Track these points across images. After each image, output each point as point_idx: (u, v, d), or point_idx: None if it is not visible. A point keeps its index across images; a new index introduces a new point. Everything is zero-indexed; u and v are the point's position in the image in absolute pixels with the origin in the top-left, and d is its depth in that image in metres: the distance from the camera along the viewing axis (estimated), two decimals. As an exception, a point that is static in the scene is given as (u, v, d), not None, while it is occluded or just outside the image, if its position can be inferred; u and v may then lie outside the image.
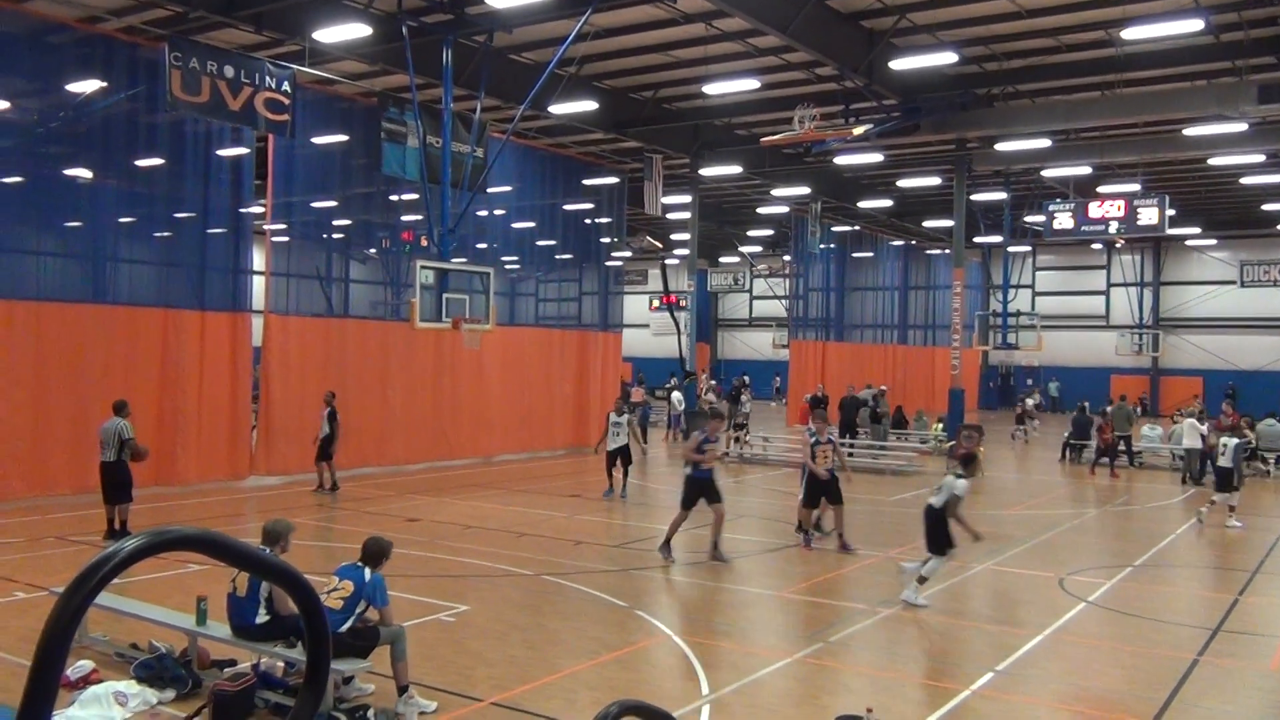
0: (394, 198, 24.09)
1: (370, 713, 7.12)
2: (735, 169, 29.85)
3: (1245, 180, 32.58)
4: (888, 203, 36.60)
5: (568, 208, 27.90)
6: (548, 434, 26.01)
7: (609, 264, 29.78)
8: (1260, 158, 28.14)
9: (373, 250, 27.79)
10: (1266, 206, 37.03)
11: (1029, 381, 49.96)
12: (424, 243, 22.72)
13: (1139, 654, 9.76)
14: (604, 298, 29.12)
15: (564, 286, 29.29)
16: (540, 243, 27.86)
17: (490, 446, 24.33)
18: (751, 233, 47.52)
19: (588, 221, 28.83)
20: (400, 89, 21.06)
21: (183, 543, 1.51)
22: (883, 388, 31.07)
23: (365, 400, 21.05)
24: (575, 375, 26.82)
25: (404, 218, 25.21)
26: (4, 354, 16.15)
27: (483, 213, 24.46)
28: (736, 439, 26.39)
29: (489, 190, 22.69)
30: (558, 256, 28.70)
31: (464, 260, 21.67)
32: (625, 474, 18.79)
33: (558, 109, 22.93)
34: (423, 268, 18.28)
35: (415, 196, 22.38)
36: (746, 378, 49.16)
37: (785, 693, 8.39)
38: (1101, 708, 8.18)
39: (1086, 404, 33.45)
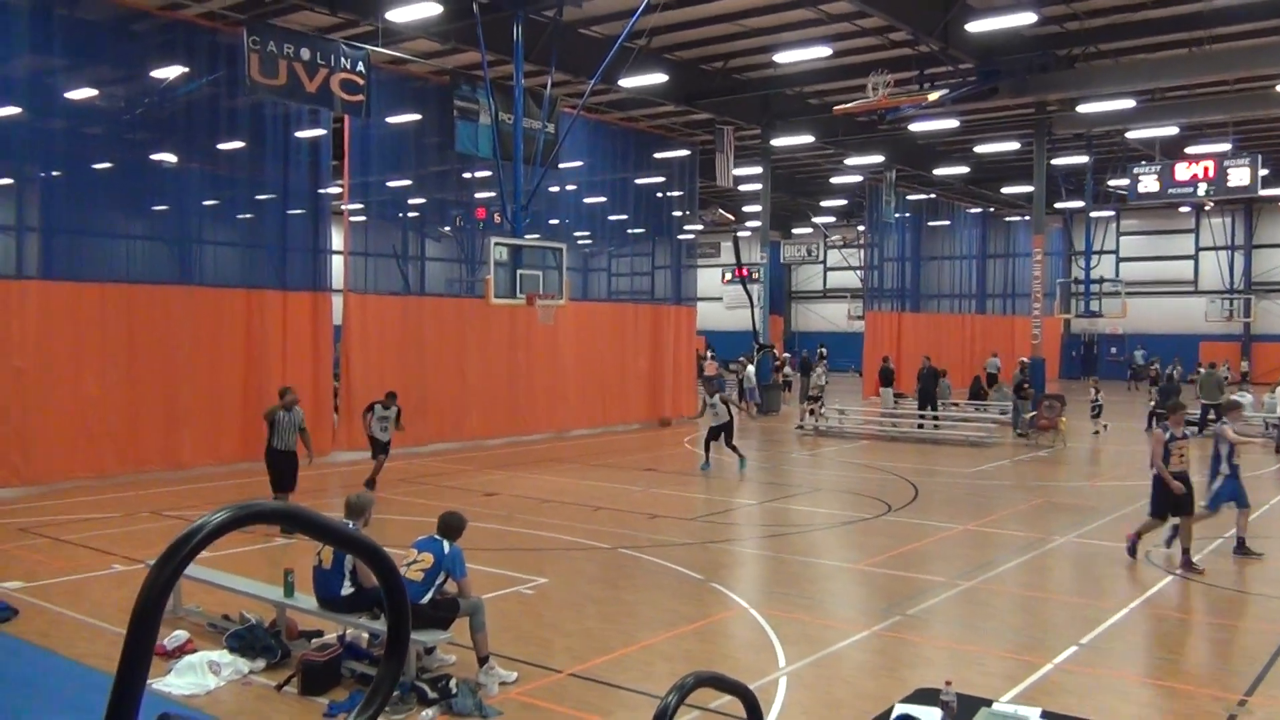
0: (467, 175, 24.31)
1: (452, 683, 7.27)
2: (807, 139, 29.48)
3: (1344, 136, 31.23)
4: (964, 169, 35.81)
5: (639, 182, 27.86)
6: (622, 408, 26.13)
7: (681, 237, 29.69)
8: (1361, 111, 26.91)
9: (447, 228, 28.11)
10: (1367, 163, 35.42)
11: (1113, 350, 48.58)
12: (497, 219, 22.91)
13: (1228, 627, 9.52)
14: (676, 271, 29.07)
15: (636, 261, 29.31)
16: (612, 217, 27.88)
17: (565, 421, 24.53)
18: (824, 203, 46.92)
19: (659, 195, 28.76)
20: (472, 66, 21.17)
21: (267, 516, 1.55)
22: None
23: (442, 376, 21.36)
24: (649, 349, 26.86)
25: (477, 195, 25.43)
26: (97, 335, 16.72)
27: (555, 188, 24.56)
28: (811, 411, 26.21)
29: (560, 166, 22.77)
30: (630, 231, 28.70)
31: (537, 236, 21.81)
32: (733, 449, 18.87)
33: (628, 82, 22.87)
34: (496, 244, 18.44)
35: (488, 174, 22.56)
36: (823, 349, 48.81)
37: (862, 665, 8.36)
38: (1190, 682, 8.00)
39: (1175, 371, 32.51)
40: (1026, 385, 26.15)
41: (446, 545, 7.69)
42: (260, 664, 7.84)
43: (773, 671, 7.90)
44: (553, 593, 10.26)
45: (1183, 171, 27.47)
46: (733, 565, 11.97)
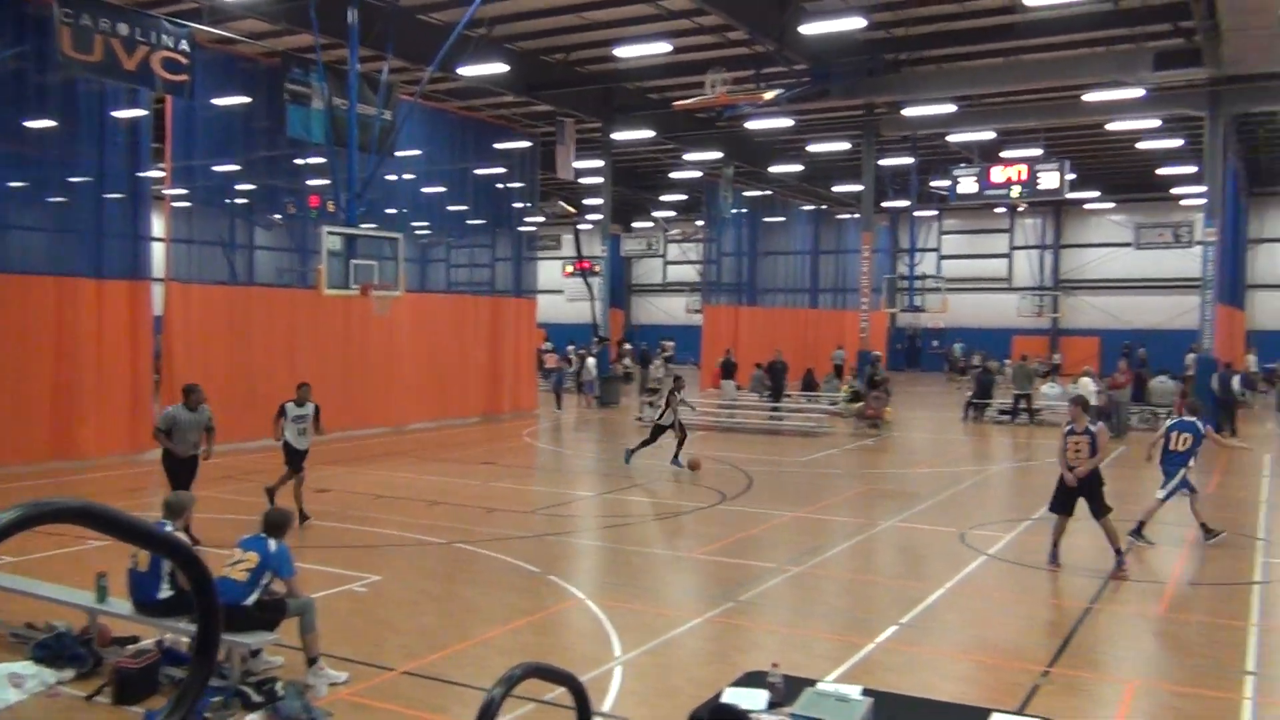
0: (300, 161, 23.49)
1: (279, 685, 7.05)
2: (647, 133, 29.78)
3: (1141, 145, 33.59)
4: (799, 167, 36.92)
5: (480, 172, 27.55)
6: (461, 401, 25.81)
7: (522, 229, 29.54)
8: (1156, 123, 29.03)
9: (278, 216, 27.10)
10: (1161, 171, 38.24)
11: (934, 343, 51.04)
12: (331, 208, 22.23)
13: (1036, 603, 10.16)
14: (517, 263, 28.90)
15: (476, 252, 28.95)
16: (452, 208, 27.46)
17: (402, 415, 24.05)
18: (665, 198, 47.52)
19: (500, 186, 28.52)
20: (305, 49, 20.47)
21: (62, 514, 1.47)
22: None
23: (272, 369, 20.59)
24: (488, 342, 26.62)
25: (310, 182, 24.60)
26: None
27: (392, 177, 24.01)
28: (650, 403, 26.53)
29: (398, 154, 22.30)
30: (470, 222, 28.35)
31: (373, 226, 21.27)
32: (679, 444, 18.44)
33: (467, 71, 22.58)
34: (330, 233, 17.89)
35: (322, 160, 21.87)
36: (670, 343, 49.44)
37: (696, 652, 8.54)
38: (1000, 656, 8.50)
39: (990, 363, 34.41)
40: (878, 378, 27.14)
41: (272, 543, 7.44)
42: (69, 674, 7.41)
43: (608, 661, 7.97)
44: (387, 590, 10.07)
45: (998, 174, 29.02)
46: (570, 557, 12.02)
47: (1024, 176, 28.66)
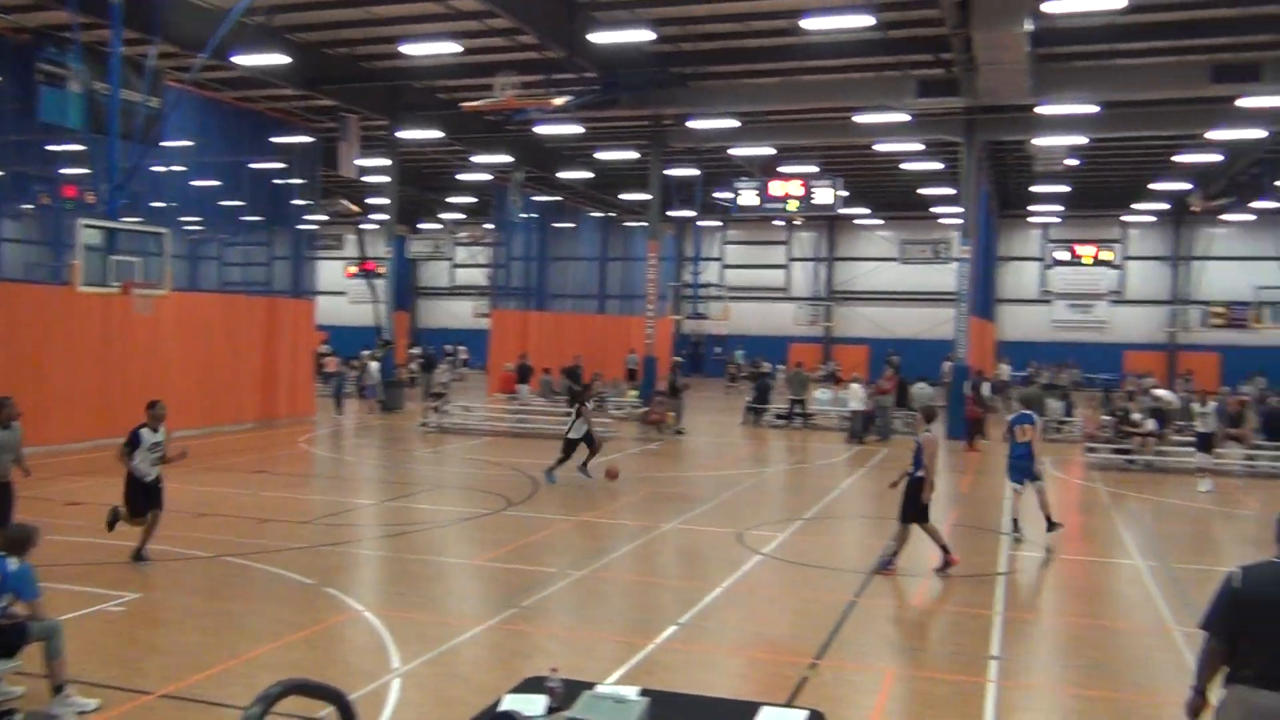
0: (54, 148, 21.76)
1: (18, 717, 6.47)
2: (435, 133, 29.30)
3: (905, 166, 35.85)
4: (588, 174, 37.27)
5: (257, 167, 26.32)
6: (233, 407, 24.52)
7: (302, 228, 28.44)
8: (919, 146, 31.07)
9: (29, 206, 25.00)
10: (923, 191, 40.96)
11: (717, 349, 52.67)
12: (90, 199, 20.70)
13: (806, 599, 10.62)
14: (296, 263, 27.79)
15: (252, 250, 27.65)
16: (225, 203, 26.12)
17: (168, 420, 22.59)
18: (453, 200, 46.90)
19: (279, 182, 27.33)
20: (60, 27, 18.95)
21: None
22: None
23: (18, 372, 18.91)
24: (263, 344, 25.43)
25: (66, 171, 22.83)
26: None
27: (159, 168, 22.61)
28: (435, 409, 26.10)
29: (165, 144, 20.97)
30: (245, 218, 27.04)
31: (137, 220, 19.94)
32: (590, 454, 17.80)
33: (244, 60, 21.54)
34: (86, 227, 16.63)
35: (80, 148, 20.33)
36: (461, 347, 48.75)
37: (477, 660, 8.44)
38: (772, 651, 8.84)
39: (768, 369, 35.83)
40: (679, 385, 27.55)
41: (12, 562, 6.82)
42: None
43: (386, 673, 7.77)
44: (145, 609, 9.44)
45: (776, 189, 30.24)
46: (348, 568, 11.64)
47: (801, 191, 29.99)
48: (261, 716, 2.47)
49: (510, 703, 4.76)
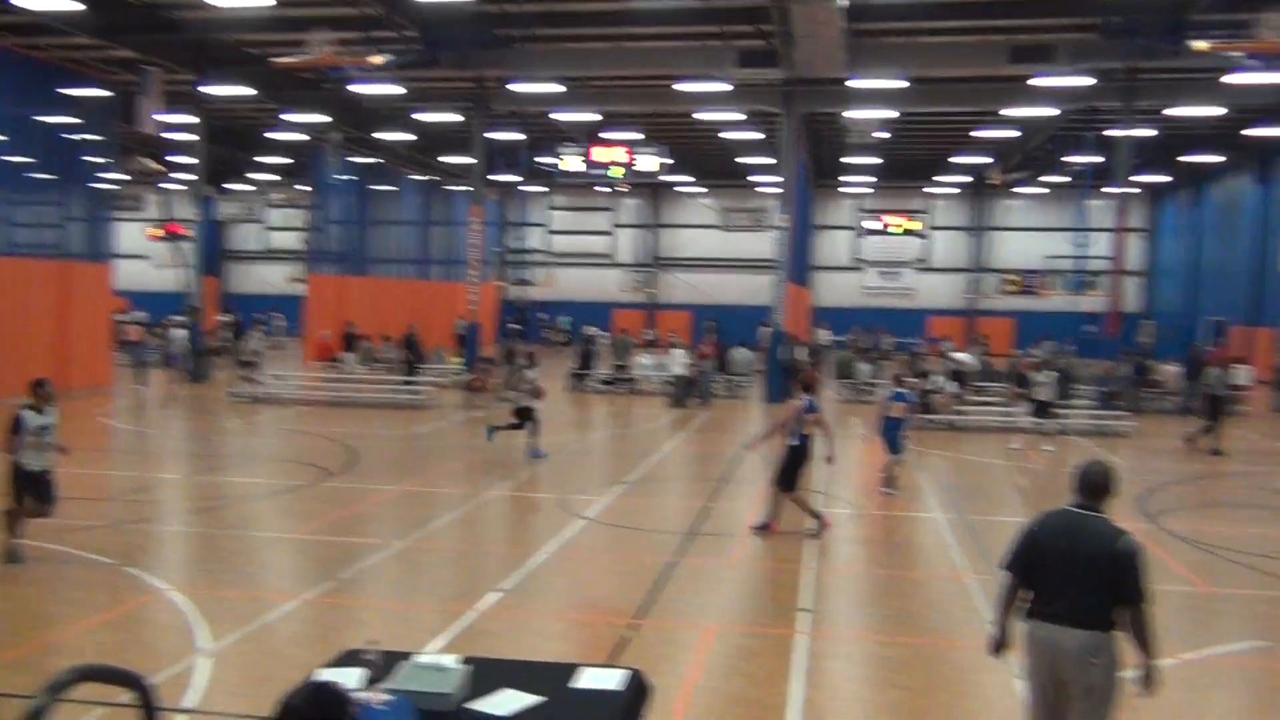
0: None
1: None
2: (246, 90, 27.89)
3: (726, 135, 36.52)
4: (409, 136, 36.32)
5: (46, 120, 24.43)
6: (21, 377, 22.78)
7: (98, 187, 26.62)
8: (740, 116, 31.68)
9: None
10: (743, 159, 41.85)
11: (542, 316, 52.56)
12: None
13: (628, 561, 10.80)
14: (92, 224, 26.04)
15: (41, 210, 25.69)
16: (10, 158, 24.16)
17: None
18: (266, 160, 44.85)
19: (72, 138, 25.46)
20: None
21: None
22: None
23: None
24: (55, 310, 23.76)
25: None
26: None
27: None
28: (246, 378, 25.05)
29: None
30: (32, 175, 25.07)
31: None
32: (532, 432, 17.07)
33: (31, 4, 19.89)
34: None
35: None
36: (268, 315, 46.78)
37: (293, 635, 8.21)
38: (594, 612, 8.96)
39: (593, 335, 35.99)
40: (517, 352, 27.11)
41: None
42: None
43: (193, 654, 7.46)
44: (-78, 595, 8.75)
45: (601, 155, 30.27)
46: (152, 546, 11.08)
47: (625, 158, 30.12)
48: (49, 705, 2.33)
49: (327, 677, 4.65)
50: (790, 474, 11.88)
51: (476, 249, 31.95)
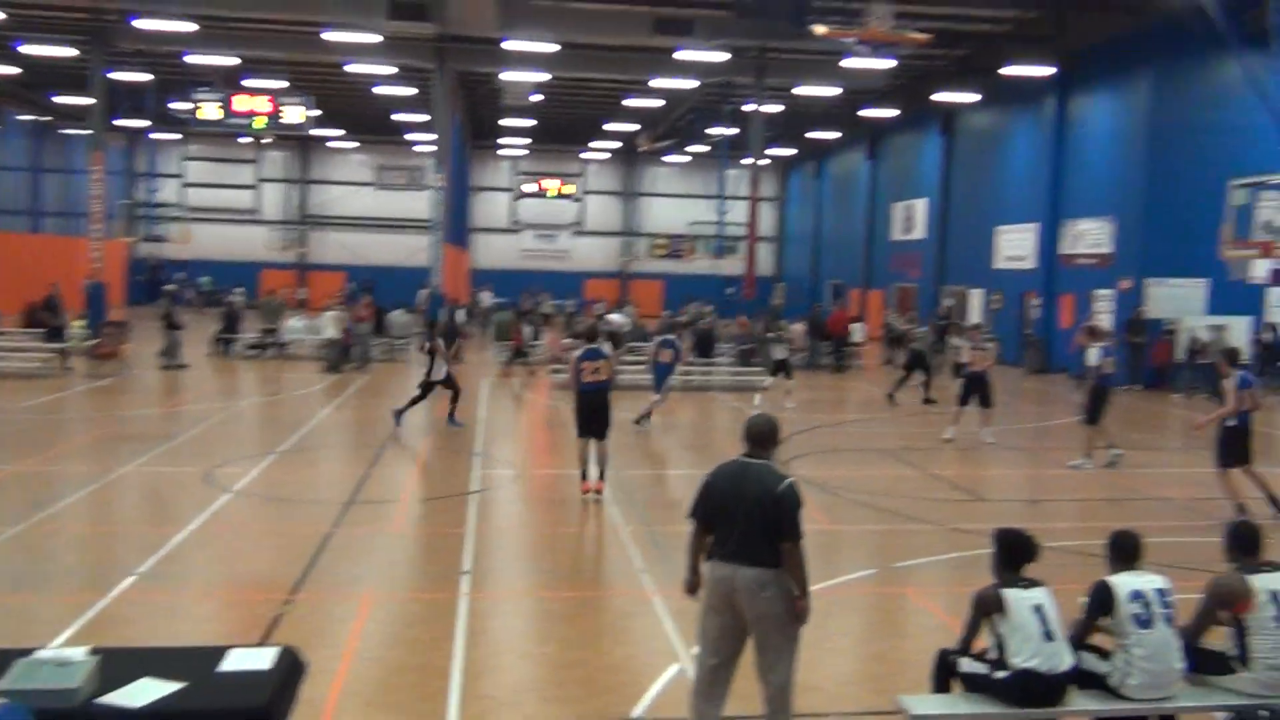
0: None
1: None
2: None
3: (378, 90, 35.42)
4: (14, 70, 32.14)
5: None
6: None
7: None
8: (392, 70, 30.78)
9: None
10: (397, 116, 40.80)
11: (179, 275, 48.64)
12: None
13: (282, 533, 10.35)
14: None
15: None
16: None
17: None
18: None
19: None
20: None
21: None
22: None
23: None
24: None
25: None
26: None
27: None
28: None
29: None
30: None
31: None
32: (454, 401, 16.74)
33: None
34: None
35: None
36: None
37: (-121, 643, 7.15)
38: (245, 590, 8.52)
39: (240, 296, 33.91)
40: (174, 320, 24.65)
41: None
42: None
43: None
44: None
45: (243, 103, 28.41)
46: None
47: (269, 108, 28.44)
48: None
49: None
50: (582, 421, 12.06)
51: (99, 201, 28.99)
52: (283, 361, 26.29)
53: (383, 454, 14.51)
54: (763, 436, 5.52)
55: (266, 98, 28.38)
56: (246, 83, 30.64)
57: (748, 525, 5.25)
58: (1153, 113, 24.22)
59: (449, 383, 16.65)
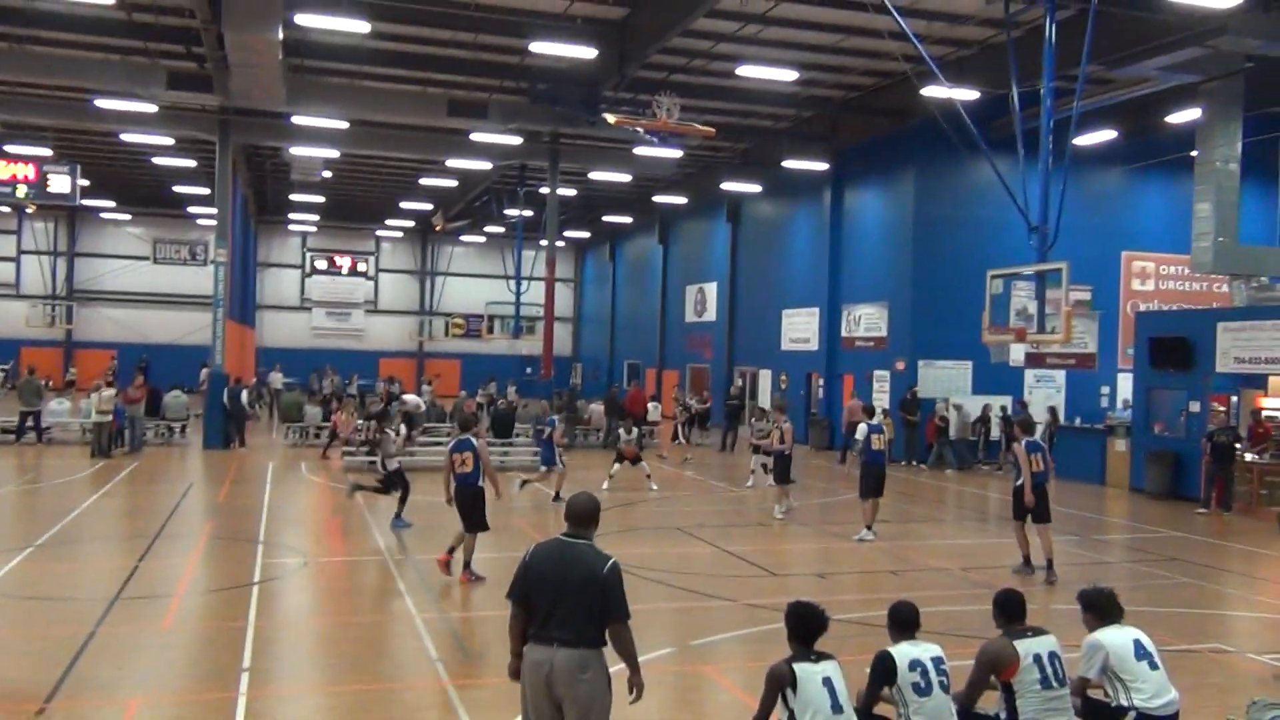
0: None
1: None
2: None
3: (157, 160, 33.84)
4: None
5: None
6: None
7: None
8: (170, 140, 29.48)
9: None
10: (178, 188, 39.05)
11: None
12: None
13: (36, 636, 9.44)
14: None
15: None
16: None
17: None
18: None
19: None
20: None
21: None
22: None
23: None
24: None
25: None
26: None
27: None
28: None
29: None
30: None
31: None
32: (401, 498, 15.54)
33: None
34: None
35: None
36: None
37: None
38: (-11, 704, 7.69)
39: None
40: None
41: None
42: None
43: None
44: None
45: (4, 170, 26.47)
46: None
47: (33, 177, 26.61)
48: None
49: None
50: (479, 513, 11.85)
51: None
52: (44, 447, 24.29)
53: (155, 545, 13.54)
54: (585, 516, 5.45)
55: (31, 165, 26.55)
56: (8, 149, 28.64)
57: (571, 606, 5.16)
58: (917, 206, 26.16)
59: (398, 479, 15.45)
